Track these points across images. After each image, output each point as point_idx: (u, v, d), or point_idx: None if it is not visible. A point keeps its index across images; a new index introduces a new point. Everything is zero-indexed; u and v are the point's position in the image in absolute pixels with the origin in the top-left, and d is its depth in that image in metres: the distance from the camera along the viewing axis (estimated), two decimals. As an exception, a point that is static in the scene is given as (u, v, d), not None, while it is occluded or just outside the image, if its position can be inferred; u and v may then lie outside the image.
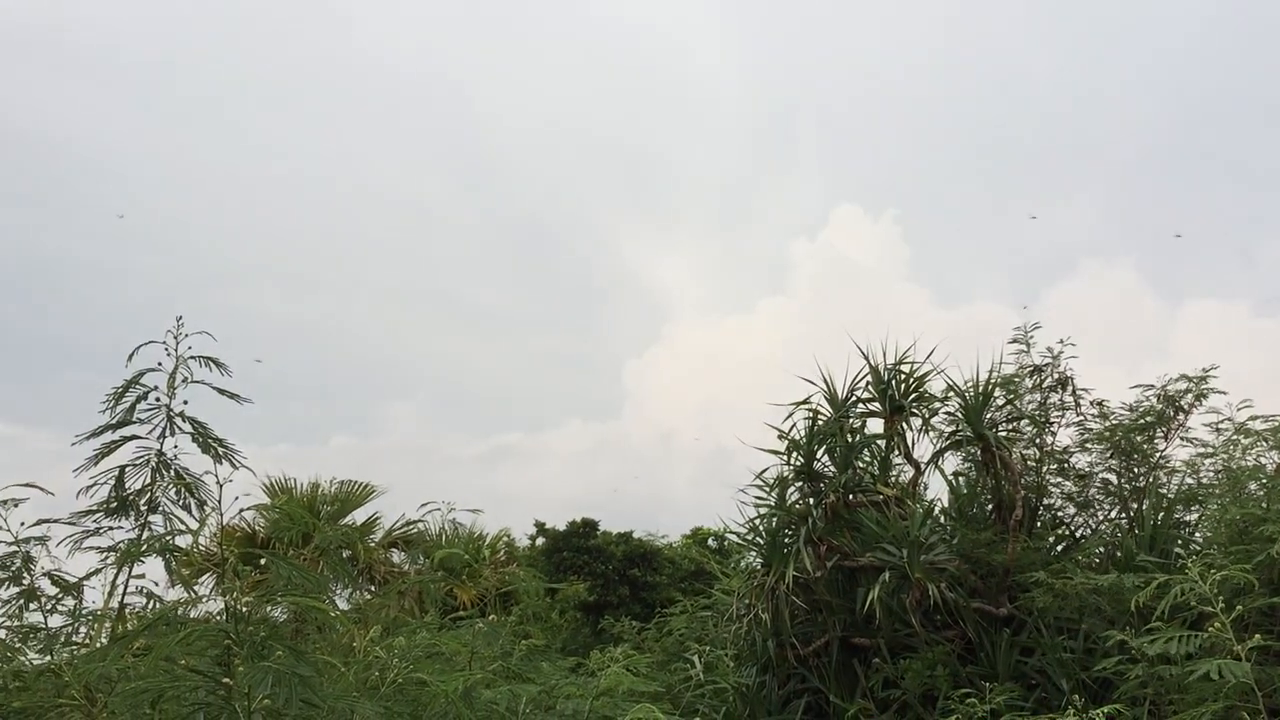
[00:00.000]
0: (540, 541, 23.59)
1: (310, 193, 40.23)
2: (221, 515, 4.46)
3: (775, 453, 10.97)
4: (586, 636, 19.38)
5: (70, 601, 5.74)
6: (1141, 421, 10.30)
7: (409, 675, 4.87)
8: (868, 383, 10.88)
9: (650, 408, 40.23)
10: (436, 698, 4.74)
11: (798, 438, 10.87)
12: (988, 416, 10.40)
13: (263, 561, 4.76)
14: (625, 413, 40.82)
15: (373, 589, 17.13)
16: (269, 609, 5.70)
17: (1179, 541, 9.51)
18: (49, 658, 5.40)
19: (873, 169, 43.17)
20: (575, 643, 18.85)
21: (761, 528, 10.74)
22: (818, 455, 10.78)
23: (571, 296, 44.66)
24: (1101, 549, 10.23)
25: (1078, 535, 10.80)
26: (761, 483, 10.95)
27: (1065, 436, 10.91)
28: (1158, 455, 10.32)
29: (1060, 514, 10.94)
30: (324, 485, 19.06)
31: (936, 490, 13.90)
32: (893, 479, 10.73)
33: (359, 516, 19.20)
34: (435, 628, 6.66)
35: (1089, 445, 10.61)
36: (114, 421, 5.72)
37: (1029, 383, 10.88)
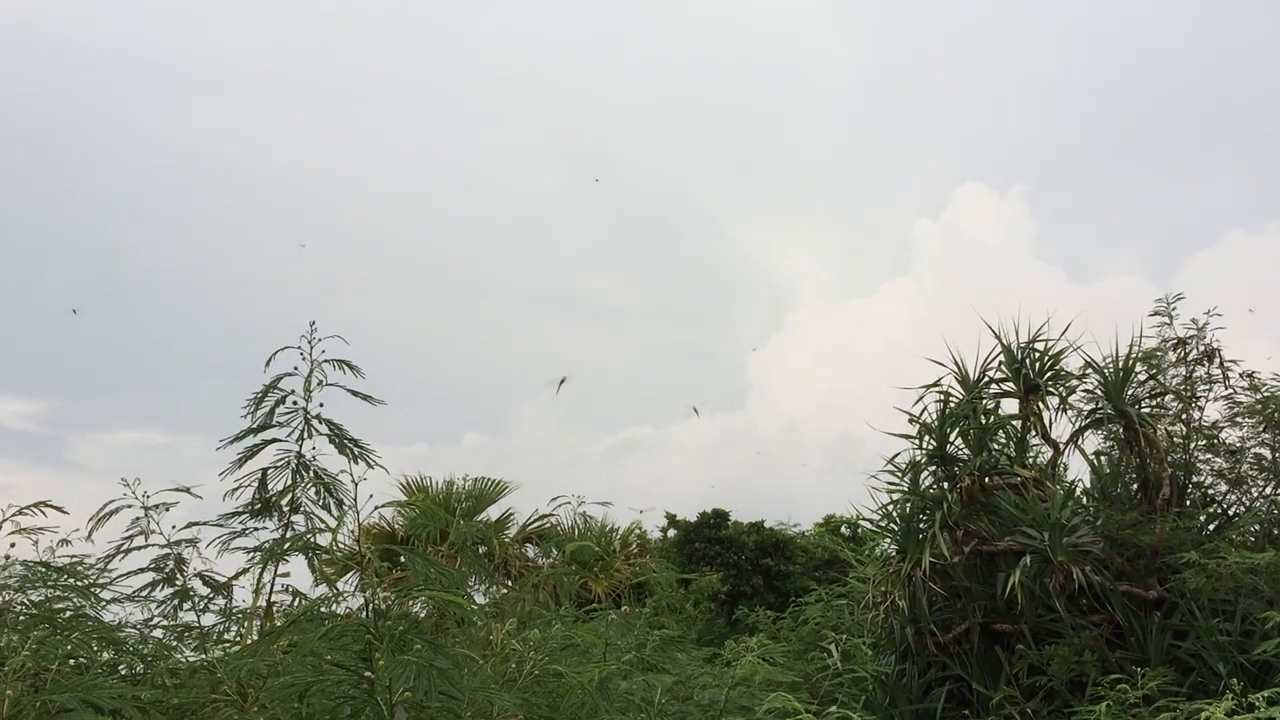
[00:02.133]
0: (671, 533, 23.63)
1: (433, 200, 41.06)
2: (359, 514, 4.57)
3: (906, 437, 10.76)
4: (721, 627, 19.35)
5: (221, 600, 5.97)
6: (1297, 393, 9.80)
7: (545, 667, 4.91)
8: (1000, 362, 10.59)
9: (775, 397, 39.90)
10: (573, 689, 4.78)
11: (929, 421, 10.65)
12: (1129, 393, 10.02)
13: (402, 559, 4.86)
14: (750, 403, 40.57)
15: (509, 583, 17.41)
16: (409, 604, 5.83)
17: (1342, 517, 9.03)
18: (203, 655, 5.63)
19: (996, 145, 42.09)
20: (710, 634, 18.81)
21: (895, 514, 10.56)
22: (950, 438, 10.53)
23: (692, 290, 44.62)
24: (1257, 526, 9.77)
25: (1230, 513, 10.33)
26: (893, 468, 10.76)
27: (1214, 411, 10.43)
28: (1315, 427, 9.80)
29: (1211, 491, 10.47)
30: (458, 483, 19.44)
31: (1077, 471, 13.49)
32: (1030, 460, 10.43)
33: (493, 513, 19.53)
34: (570, 620, 6.71)
35: (1240, 419, 10.13)
36: (255, 426, 5.91)
37: (1173, 356, 10.44)
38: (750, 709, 5.46)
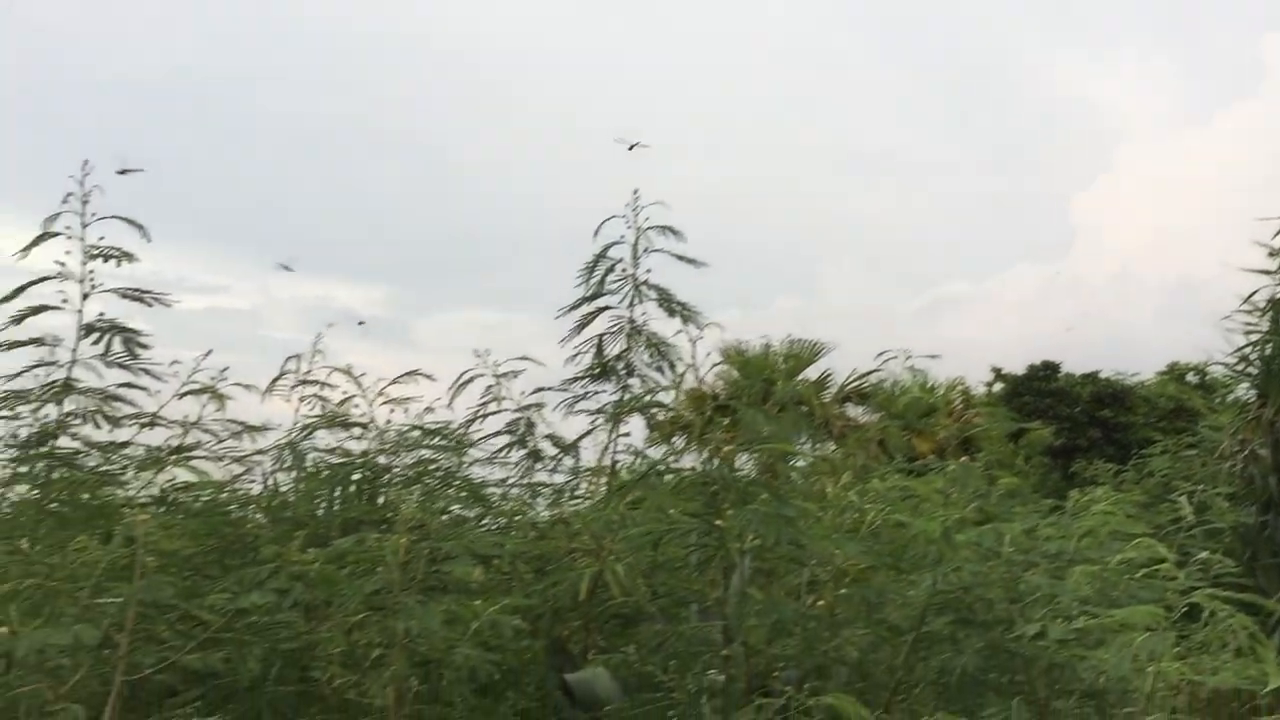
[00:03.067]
0: (998, 388, 22.91)
1: (735, 61, 40.69)
2: (698, 373, 4.70)
3: (1266, 273, 9.81)
4: (1056, 482, 18.69)
5: (568, 460, 6.35)
6: None
7: (887, 518, 4.92)
8: (1380, 182, 9.41)
9: (1103, 242, 37.37)
10: (916, 538, 4.77)
11: (1292, 254, 9.65)
12: None
13: (729, 419, 4.98)
14: (1076, 250, 38.22)
15: (831, 442, 17.51)
16: (740, 461, 5.97)
17: None
18: (557, 510, 6.04)
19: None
20: (1043, 489, 18.24)
21: (1254, 356, 9.71)
22: (1319, 271, 9.53)
23: (1007, 133, 42.14)
24: None
25: None
26: (1250, 307, 9.86)
27: None
28: None
29: None
30: (775, 346, 19.61)
31: None
32: None
33: (810, 374, 19.62)
34: (903, 474, 6.66)
35: None
36: (588, 295, 6.16)
37: None
38: (1101, 560, 5.27)
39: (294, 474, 5.74)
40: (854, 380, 19.00)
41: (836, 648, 4.82)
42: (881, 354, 7.54)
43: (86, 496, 4.73)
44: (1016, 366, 22.72)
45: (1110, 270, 37.55)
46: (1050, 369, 21.82)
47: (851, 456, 7.79)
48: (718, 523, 3.96)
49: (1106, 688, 4.87)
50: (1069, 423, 20.71)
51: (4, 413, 4.93)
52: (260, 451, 5.70)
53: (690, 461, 6.20)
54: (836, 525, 5.27)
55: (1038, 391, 21.44)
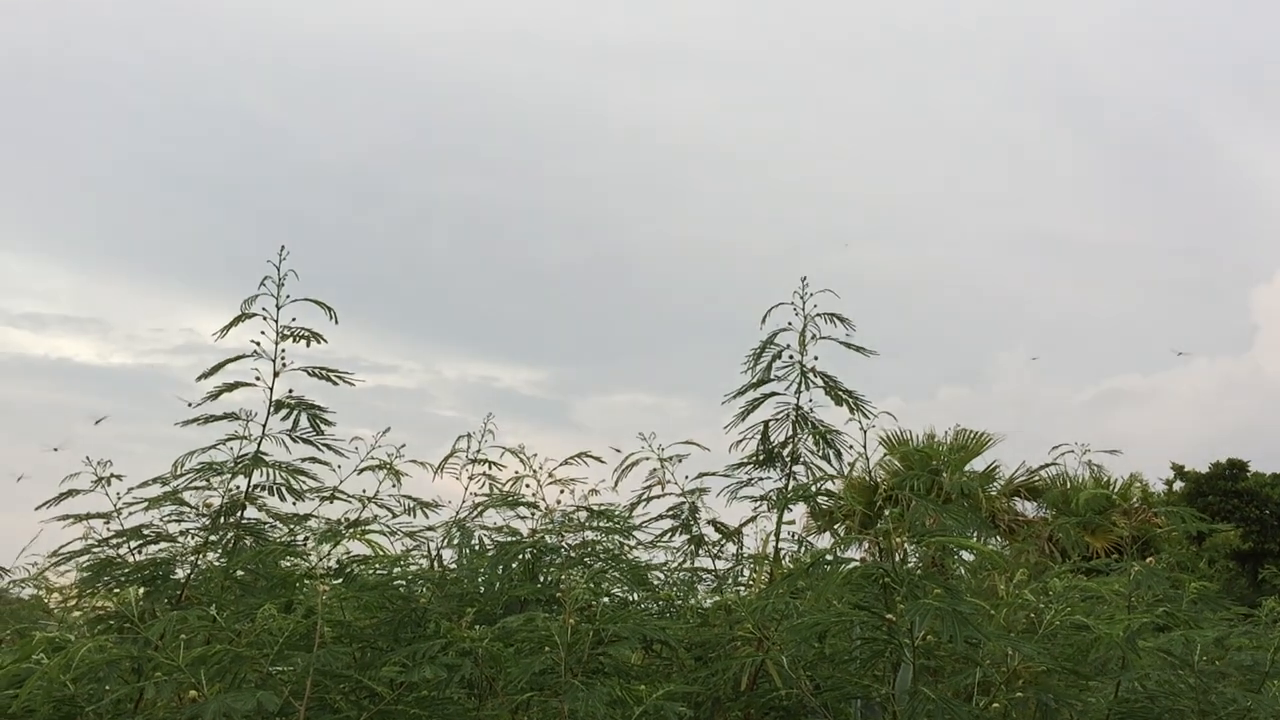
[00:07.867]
0: (1178, 485, 21.77)
1: (892, 144, 40.53)
2: (867, 462, 4.63)
3: None
4: (1243, 588, 17.59)
5: (731, 546, 6.32)
6: None
7: (1066, 618, 4.71)
8: None
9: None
10: (1097, 642, 4.55)
11: None
12: None
13: (886, 513, 4.87)
14: (1257, 344, 36.30)
15: (998, 537, 16.94)
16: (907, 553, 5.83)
17: None
18: (718, 596, 6.00)
19: None
20: (1229, 595, 17.18)
21: None
22: None
23: (1186, 221, 40.67)
24: None
25: None
26: None
27: None
28: None
29: None
30: (939, 435, 19.20)
31: None
32: None
33: (977, 465, 19.10)
34: (1079, 573, 6.39)
35: None
36: (755, 380, 6.15)
37: None
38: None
39: (461, 550, 5.86)
40: (1022, 474, 18.44)
41: (1010, 754, 4.61)
42: (1056, 447, 7.26)
43: (270, 566, 4.94)
44: (1195, 463, 21.58)
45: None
46: (1237, 468, 20.59)
47: (1025, 554, 7.50)
48: (889, 616, 3.87)
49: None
50: (1258, 525, 19.43)
51: (198, 484, 5.19)
52: (431, 528, 5.85)
53: (855, 552, 6.10)
54: (1009, 624, 5.08)
55: (1223, 491, 20.23)
